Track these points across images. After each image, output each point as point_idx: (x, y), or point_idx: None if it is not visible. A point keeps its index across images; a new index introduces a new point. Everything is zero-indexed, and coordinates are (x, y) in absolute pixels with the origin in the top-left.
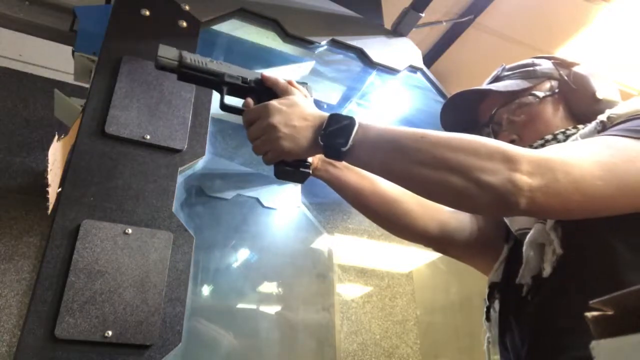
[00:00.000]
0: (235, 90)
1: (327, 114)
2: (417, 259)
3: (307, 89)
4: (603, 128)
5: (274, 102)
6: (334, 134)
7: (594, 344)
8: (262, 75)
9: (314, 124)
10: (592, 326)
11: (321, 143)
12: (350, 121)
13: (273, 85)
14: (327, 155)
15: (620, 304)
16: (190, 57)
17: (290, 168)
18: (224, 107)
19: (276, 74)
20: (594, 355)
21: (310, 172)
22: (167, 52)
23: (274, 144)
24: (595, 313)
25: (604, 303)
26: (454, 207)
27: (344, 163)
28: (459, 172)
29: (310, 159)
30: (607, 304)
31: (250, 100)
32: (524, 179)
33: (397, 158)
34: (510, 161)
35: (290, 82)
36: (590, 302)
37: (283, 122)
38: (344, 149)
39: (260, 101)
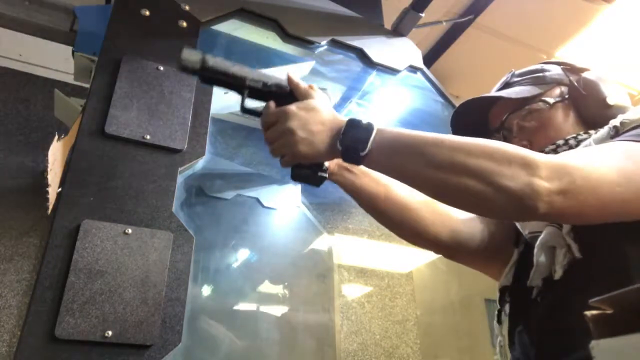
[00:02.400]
0: (255, 94)
1: (345, 119)
2: (417, 259)
3: (327, 94)
4: (616, 133)
5: (293, 107)
6: (353, 138)
7: (593, 343)
8: (287, 75)
9: (331, 128)
10: (591, 326)
11: (339, 147)
12: (368, 126)
13: (295, 87)
14: (345, 160)
15: (619, 302)
16: (213, 61)
17: (307, 171)
18: (244, 109)
19: (279, 74)
20: (593, 355)
21: (327, 176)
22: (191, 55)
23: (291, 148)
24: (594, 312)
25: (603, 302)
26: (472, 211)
27: (359, 168)
28: (478, 176)
29: (326, 163)
30: (607, 302)
31: (272, 104)
32: (542, 184)
33: (415, 162)
34: (529, 166)
35: (310, 87)
36: (590, 300)
37: (301, 127)
38: (363, 154)
39: (280, 105)
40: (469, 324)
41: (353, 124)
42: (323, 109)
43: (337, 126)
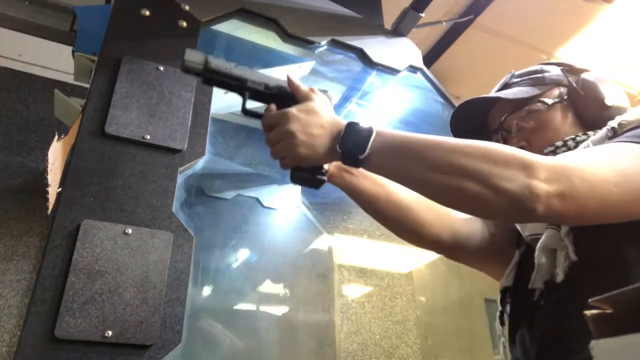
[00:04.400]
0: (257, 96)
1: (344, 122)
2: (417, 259)
3: (328, 96)
4: (614, 134)
5: (293, 109)
6: (352, 141)
7: (593, 343)
8: (287, 77)
9: (331, 131)
10: (591, 325)
11: (339, 150)
12: (367, 129)
13: (295, 90)
14: (344, 163)
15: (619, 302)
16: (215, 62)
17: (306, 174)
18: (245, 111)
19: (279, 74)
20: (593, 355)
21: (326, 179)
22: (194, 56)
23: (291, 150)
24: (594, 312)
25: (603, 301)
26: (470, 213)
27: (359, 170)
28: (476, 178)
29: (326, 166)
30: (607, 302)
31: (273, 106)
32: (541, 186)
33: (414, 165)
34: (527, 168)
35: (311, 89)
36: (590, 300)
37: (301, 130)
38: (362, 156)
39: (281, 107)
40: (469, 324)
41: (353, 127)
42: (323, 111)
43: (337, 129)
